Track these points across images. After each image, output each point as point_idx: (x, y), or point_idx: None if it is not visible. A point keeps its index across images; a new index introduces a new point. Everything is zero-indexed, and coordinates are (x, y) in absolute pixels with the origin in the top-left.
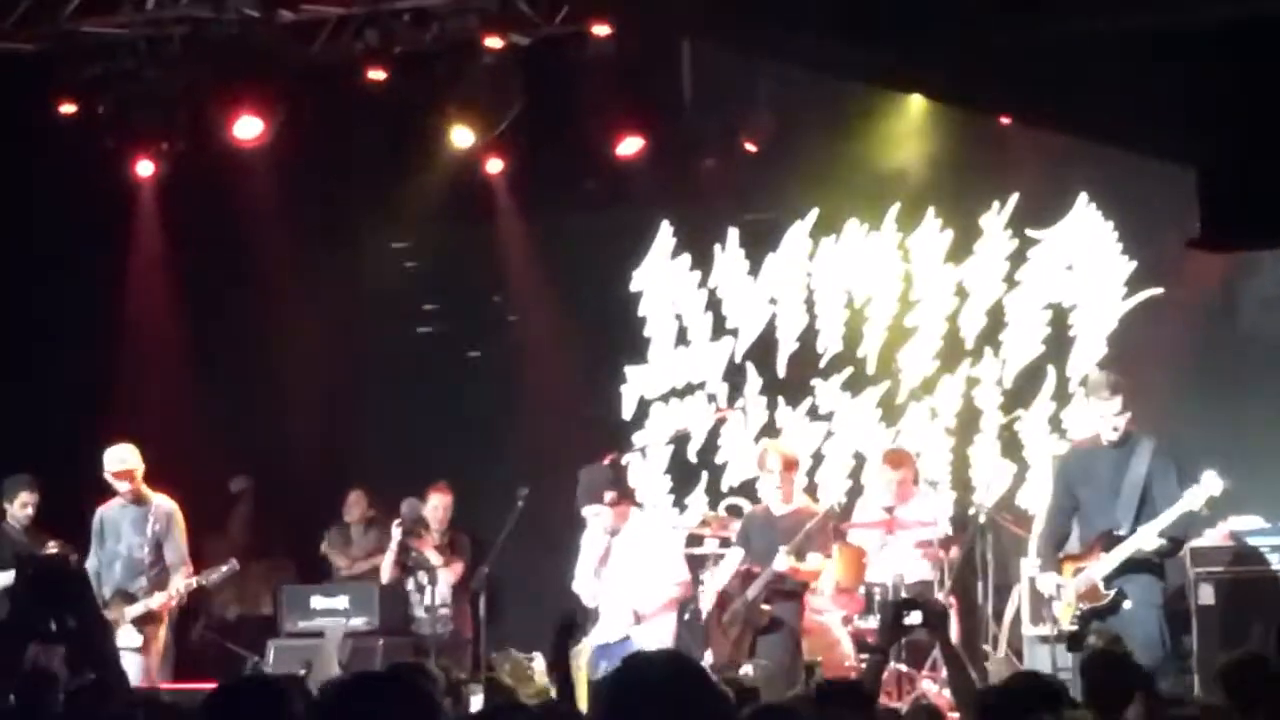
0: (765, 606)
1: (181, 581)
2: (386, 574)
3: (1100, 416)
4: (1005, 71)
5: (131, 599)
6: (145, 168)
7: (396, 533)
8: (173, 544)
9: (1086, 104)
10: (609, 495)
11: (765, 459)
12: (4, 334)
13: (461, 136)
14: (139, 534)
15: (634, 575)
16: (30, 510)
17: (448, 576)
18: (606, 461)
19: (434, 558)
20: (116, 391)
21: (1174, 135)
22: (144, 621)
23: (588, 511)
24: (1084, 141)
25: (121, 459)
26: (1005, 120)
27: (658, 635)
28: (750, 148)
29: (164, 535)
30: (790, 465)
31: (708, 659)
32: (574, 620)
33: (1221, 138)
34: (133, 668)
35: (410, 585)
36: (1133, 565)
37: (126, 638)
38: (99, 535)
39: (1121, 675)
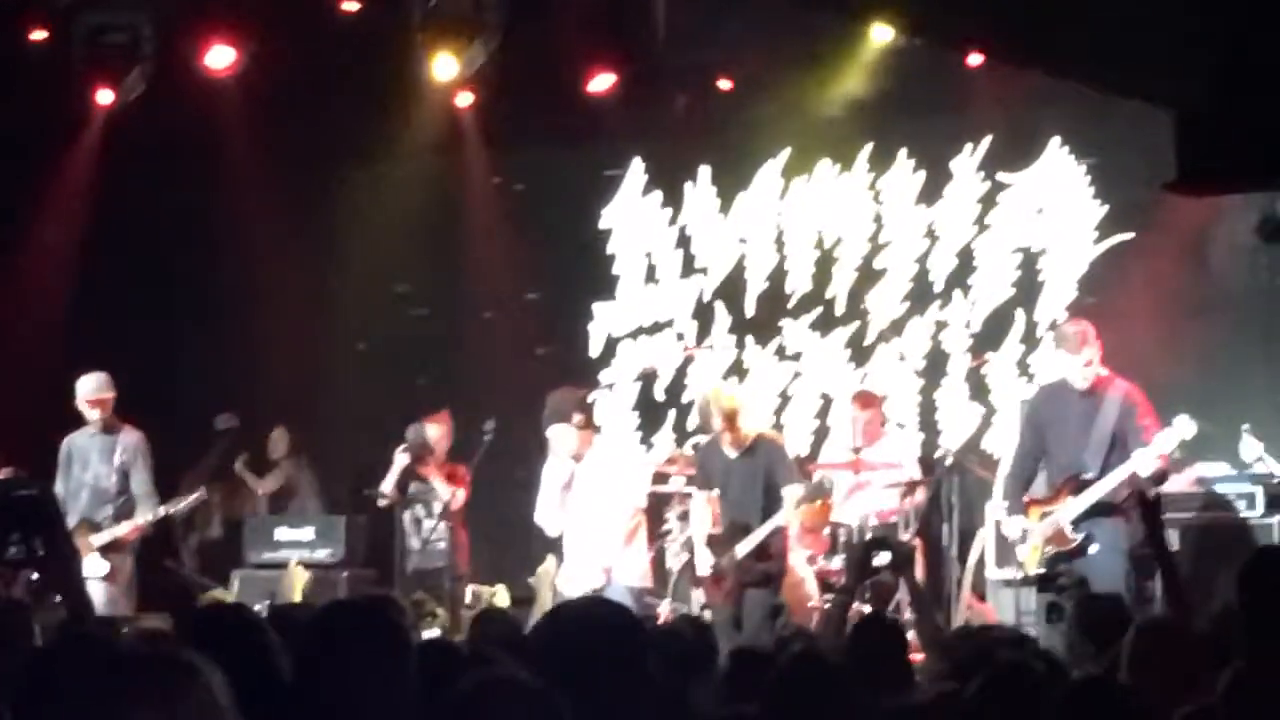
0: (755, 563)
1: (149, 511)
2: (386, 498)
3: (1069, 368)
4: (982, 7)
5: (97, 528)
6: (105, 96)
7: (403, 458)
8: (139, 474)
9: (1064, 43)
10: (577, 417)
11: (707, 416)
12: None
13: (444, 67)
14: (106, 463)
15: (599, 504)
16: None
17: (454, 503)
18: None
19: (440, 486)
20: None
21: (1151, 76)
22: (109, 550)
23: (552, 432)
24: (1057, 84)
25: (96, 386)
26: (974, 61)
27: (632, 574)
28: (724, 85)
29: (131, 465)
30: (731, 417)
31: (697, 600)
32: None
33: (1199, 79)
34: (98, 596)
35: (406, 517)
36: (1100, 509)
37: (92, 566)
38: (66, 464)
39: (1115, 611)
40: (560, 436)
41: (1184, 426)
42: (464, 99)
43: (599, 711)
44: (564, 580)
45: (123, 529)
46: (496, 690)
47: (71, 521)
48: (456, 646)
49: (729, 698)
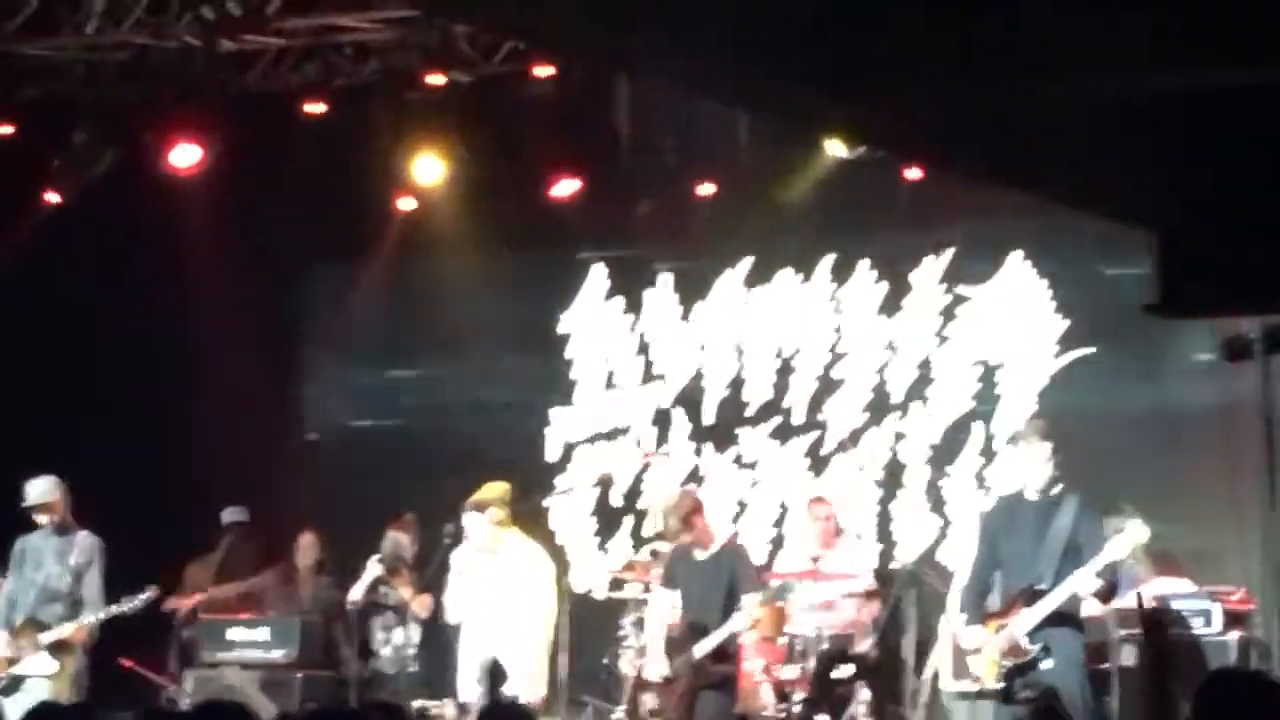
0: (709, 664)
1: (96, 612)
2: (356, 605)
3: (1029, 462)
4: (958, 129)
5: (44, 626)
6: (78, 191)
7: (376, 568)
8: (92, 578)
9: (1042, 165)
10: (495, 513)
11: (667, 521)
12: None
13: (428, 168)
14: (60, 563)
15: (500, 603)
16: None
17: (420, 614)
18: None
19: (409, 596)
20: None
21: (1130, 198)
22: (58, 649)
23: (467, 519)
24: (1020, 199)
25: (41, 492)
26: (936, 174)
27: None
28: (686, 192)
29: (85, 568)
30: (691, 515)
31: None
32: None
33: (1180, 203)
34: (43, 694)
35: (377, 624)
36: (1055, 620)
37: (39, 665)
38: (18, 563)
39: None
40: (473, 525)
41: (1136, 530)
42: (425, 202)
43: None
44: (462, 685)
45: (68, 629)
46: None
47: (17, 620)
48: None
49: None
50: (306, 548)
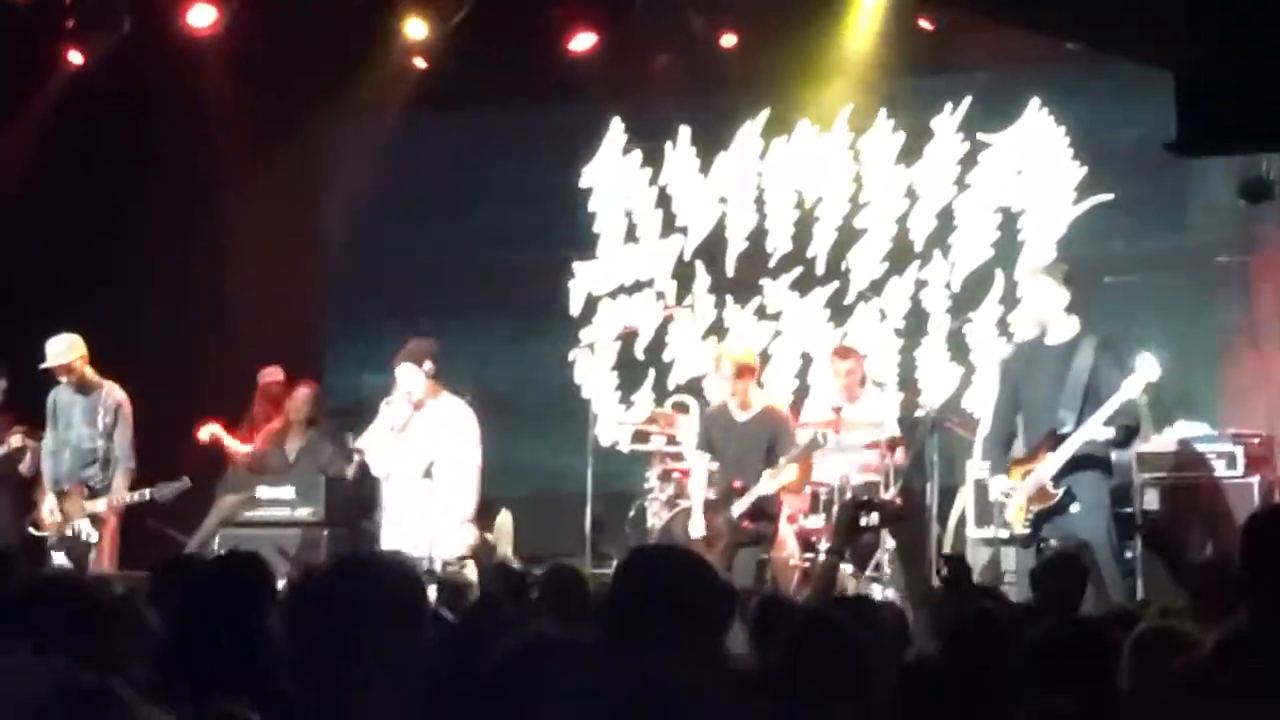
0: (746, 525)
1: (125, 493)
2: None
3: (1047, 306)
4: None
5: (91, 492)
6: (76, 56)
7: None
8: (121, 435)
9: (1064, 5)
10: (427, 365)
11: (719, 364)
12: None
13: (415, 28)
14: (89, 424)
15: (435, 451)
16: None
17: None
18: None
19: None
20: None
21: (1149, 38)
22: (97, 521)
23: (401, 370)
24: (1036, 44)
25: (55, 353)
26: (955, 19)
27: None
28: (704, 45)
29: (113, 427)
30: (744, 372)
31: None
32: None
33: (1198, 40)
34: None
35: None
36: (1080, 464)
37: (83, 530)
38: (52, 417)
39: (1074, 578)
40: (407, 375)
41: (1148, 369)
42: (444, 57)
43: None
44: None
45: (100, 506)
46: (546, 652)
47: (63, 480)
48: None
49: (756, 648)
50: (300, 402)
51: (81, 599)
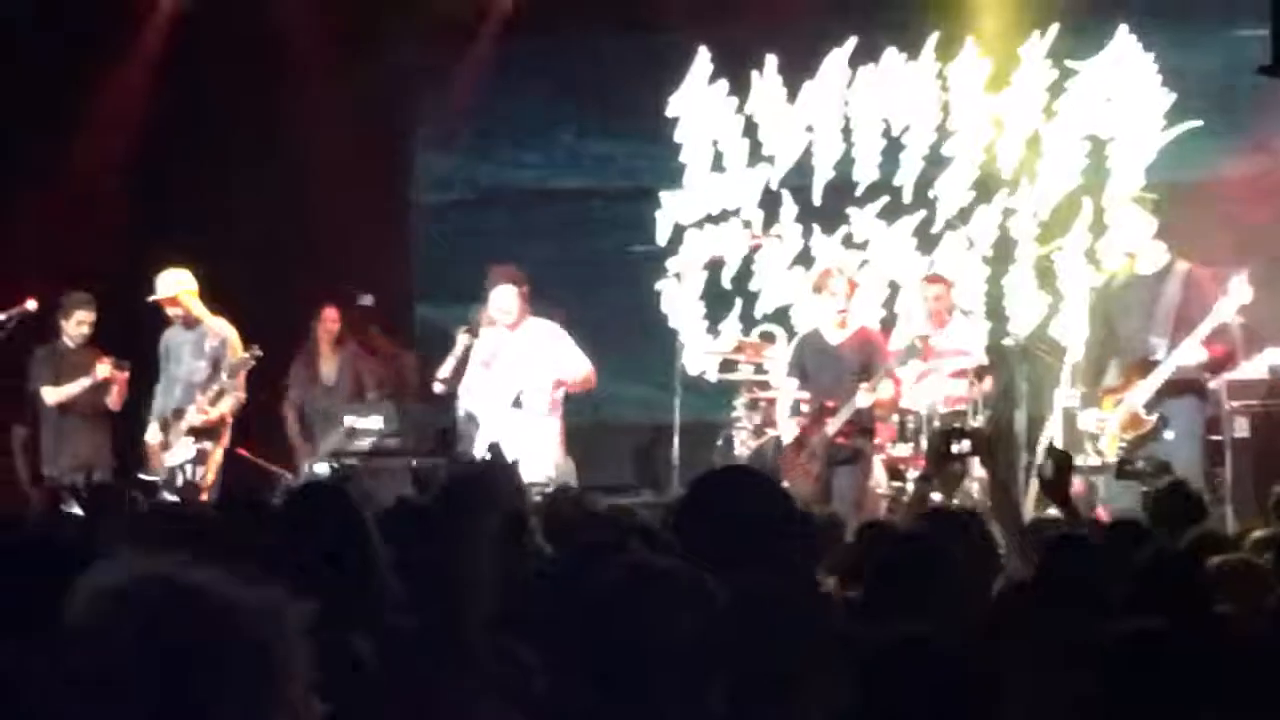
0: (841, 441)
1: (230, 401)
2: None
3: (1138, 234)
4: None
5: (182, 414)
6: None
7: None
8: (225, 366)
9: None
10: (525, 286)
11: (829, 282)
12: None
13: None
14: (198, 357)
15: (526, 377)
16: (86, 329)
17: None
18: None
19: None
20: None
21: None
22: (201, 435)
23: (498, 293)
24: None
25: (161, 288)
26: None
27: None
28: None
29: (220, 354)
30: (853, 288)
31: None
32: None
33: None
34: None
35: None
36: (1174, 389)
37: (184, 452)
38: (164, 359)
39: (1187, 506)
40: (504, 296)
41: (1240, 290)
42: None
43: (754, 595)
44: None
45: (196, 416)
46: (648, 577)
47: (169, 413)
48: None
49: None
50: (329, 322)
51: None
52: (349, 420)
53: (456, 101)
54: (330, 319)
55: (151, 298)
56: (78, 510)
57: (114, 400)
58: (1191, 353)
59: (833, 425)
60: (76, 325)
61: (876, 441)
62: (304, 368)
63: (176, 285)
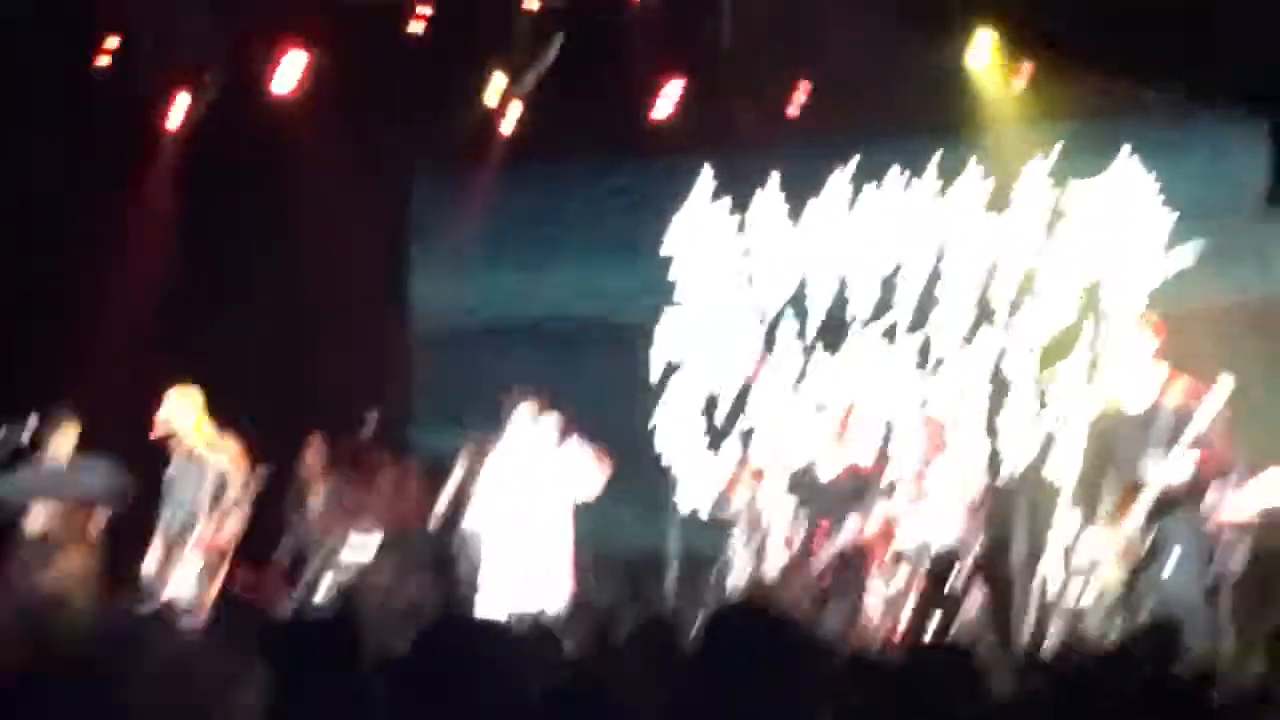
0: (833, 574)
1: (236, 520)
2: None
3: (1133, 366)
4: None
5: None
6: (189, 105)
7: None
8: (227, 496)
9: (1160, 56)
10: (538, 407)
11: (824, 414)
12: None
13: (496, 85)
14: (199, 490)
15: (539, 497)
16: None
17: None
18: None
19: None
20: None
21: (1248, 89)
22: (200, 566)
23: (521, 408)
24: (1129, 92)
25: (161, 419)
26: (1046, 68)
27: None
28: (793, 93)
29: (221, 488)
30: (845, 424)
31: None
32: None
33: None
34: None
35: None
36: (1168, 504)
37: (184, 579)
38: (167, 488)
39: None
40: (525, 411)
41: (1224, 386)
42: (526, 110)
43: None
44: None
45: (192, 539)
46: None
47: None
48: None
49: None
50: (311, 458)
51: None
52: (344, 550)
53: (457, 226)
54: (316, 447)
55: (152, 435)
56: None
57: (96, 524)
58: (1181, 464)
59: (825, 556)
60: (63, 441)
61: (873, 570)
62: (295, 496)
63: (176, 416)
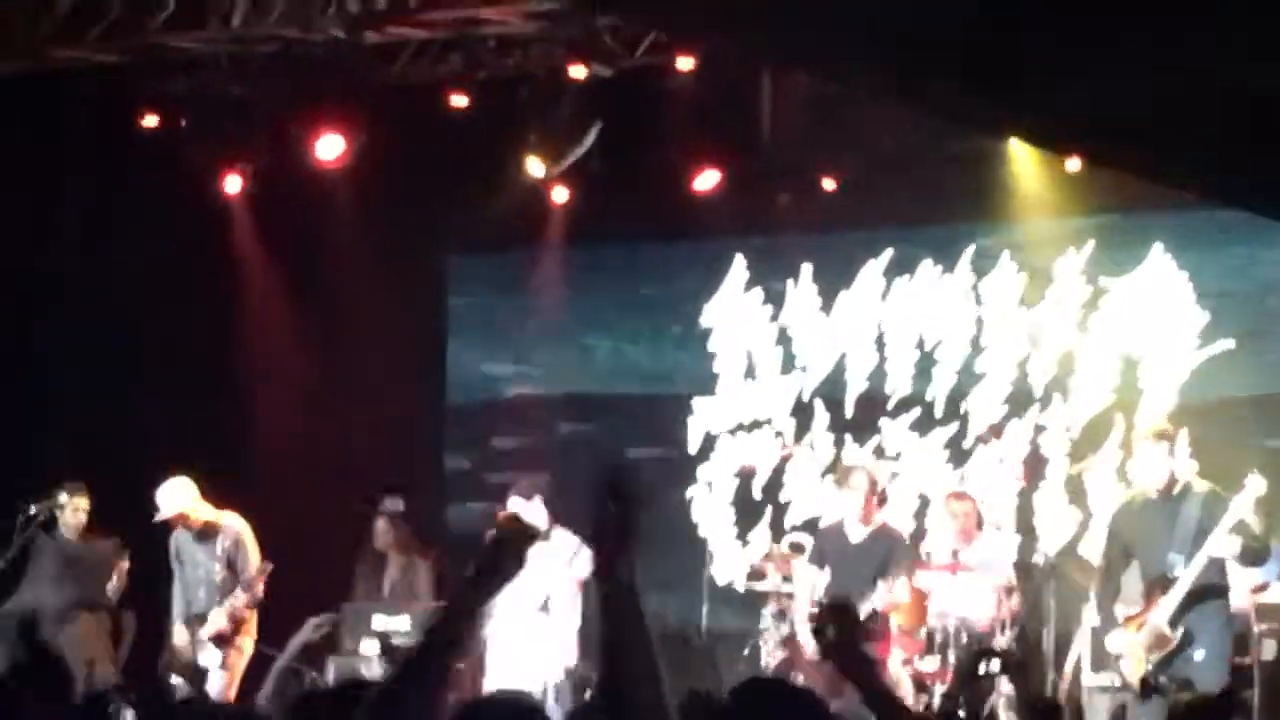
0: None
1: (241, 598)
2: None
3: (1150, 463)
4: (1099, 118)
5: (204, 619)
6: (233, 184)
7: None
8: (241, 565)
9: (1185, 157)
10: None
11: (851, 478)
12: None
13: (534, 166)
14: (211, 558)
15: (551, 584)
16: (83, 516)
17: None
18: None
19: None
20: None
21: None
22: (220, 641)
23: (534, 505)
24: (1162, 188)
25: (165, 505)
26: (1078, 165)
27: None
28: (827, 184)
29: (234, 553)
30: (874, 486)
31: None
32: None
33: None
34: (215, 685)
35: None
36: (1198, 604)
37: (208, 658)
38: (175, 559)
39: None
40: (535, 508)
41: (1255, 484)
42: (566, 194)
43: None
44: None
45: (221, 619)
46: None
47: (193, 615)
48: None
49: None
50: (382, 531)
51: None
52: (376, 620)
53: (496, 306)
54: (389, 520)
55: (158, 518)
56: None
57: (114, 590)
58: (1216, 545)
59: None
60: (74, 513)
61: (904, 656)
62: (370, 567)
63: (178, 504)
